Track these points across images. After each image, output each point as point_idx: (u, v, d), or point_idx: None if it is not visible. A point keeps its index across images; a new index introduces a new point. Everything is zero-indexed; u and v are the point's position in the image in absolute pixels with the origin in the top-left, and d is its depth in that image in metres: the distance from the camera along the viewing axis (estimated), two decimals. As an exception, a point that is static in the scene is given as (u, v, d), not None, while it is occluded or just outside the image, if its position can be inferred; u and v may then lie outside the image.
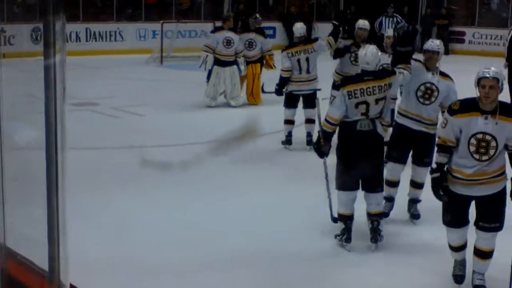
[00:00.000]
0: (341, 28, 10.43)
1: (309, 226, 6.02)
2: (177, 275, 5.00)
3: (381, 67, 5.85)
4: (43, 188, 2.14)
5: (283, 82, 8.96)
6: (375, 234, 5.54)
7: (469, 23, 23.12)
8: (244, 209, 6.42)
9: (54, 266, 2.17)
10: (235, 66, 11.54)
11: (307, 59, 8.80)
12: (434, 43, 6.04)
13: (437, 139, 4.88)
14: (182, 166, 6.83)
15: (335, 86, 5.53)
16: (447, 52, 22.46)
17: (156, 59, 17.95)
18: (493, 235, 4.73)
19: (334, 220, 5.79)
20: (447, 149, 4.69)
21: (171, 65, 17.61)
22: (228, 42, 11.36)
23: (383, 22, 17.47)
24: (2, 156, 2.72)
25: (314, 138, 6.98)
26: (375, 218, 5.56)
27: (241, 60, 11.59)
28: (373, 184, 5.57)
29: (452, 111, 4.65)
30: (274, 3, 24.65)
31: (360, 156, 5.47)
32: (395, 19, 18.78)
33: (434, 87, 5.95)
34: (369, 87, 5.44)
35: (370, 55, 5.56)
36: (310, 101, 8.75)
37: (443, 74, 6.04)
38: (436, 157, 4.83)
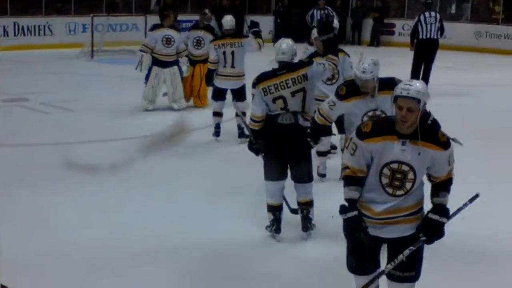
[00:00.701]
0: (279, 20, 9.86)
1: (240, 216, 6.05)
2: (112, 273, 4.92)
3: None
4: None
5: (209, 74, 9.05)
6: (306, 223, 5.61)
7: (399, 15, 23.52)
8: (176, 203, 6.41)
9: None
10: (176, 67, 10.61)
11: (232, 53, 8.72)
12: (365, 72, 5.07)
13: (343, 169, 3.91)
14: (112, 167, 6.72)
15: (254, 85, 5.51)
16: (378, 44, 23.03)
17: (86, 53, 17.65)
18: (409, 285, 3.94)
19: (293, 211, 5.78)
20: (358, 181, 3.81)
21: (102, 59, 17.41)
22: (168, 41, 10.40)
23: (315, 15, 17.59)
24: None
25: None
26: (304, 207, 5.61)
27: (183, 60, 10.63)
28: (300, 175, 5.58)
29: (361, 134, 3.75)
30: (207, -5, 24.56)
31: (283, 147, 5.50)
32: (326, 11, 18.95)
33: (377, 112, 5.18)
34: (282, 81, 5.43)
35: (285, 46, 5.56)
36: (239, 94, 8.80)
37: (384, 86, 5.11)
38: (344, 192, 3.87)
